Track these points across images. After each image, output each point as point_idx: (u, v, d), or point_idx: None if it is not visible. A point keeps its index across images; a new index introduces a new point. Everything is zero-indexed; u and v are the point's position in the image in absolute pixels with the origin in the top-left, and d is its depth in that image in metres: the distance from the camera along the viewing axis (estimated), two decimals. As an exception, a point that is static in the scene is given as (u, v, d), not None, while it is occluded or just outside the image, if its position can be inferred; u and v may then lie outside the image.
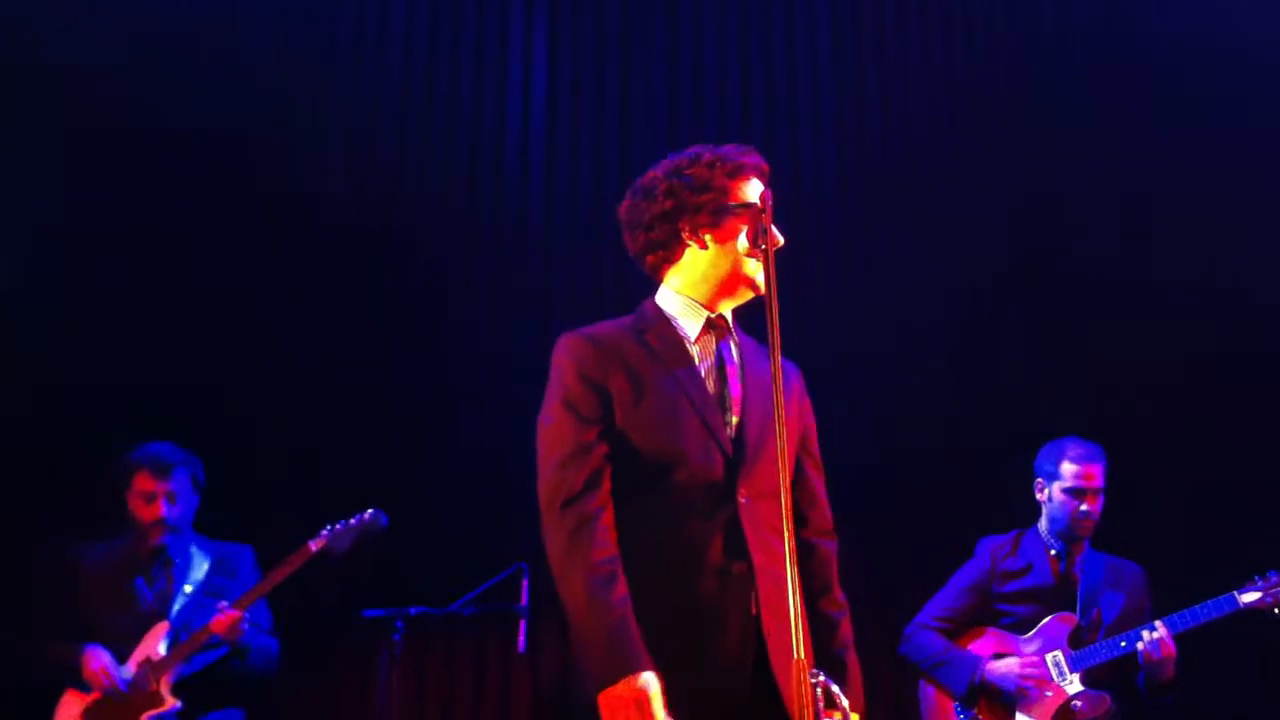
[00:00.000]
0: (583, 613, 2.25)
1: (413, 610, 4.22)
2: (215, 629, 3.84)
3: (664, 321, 2.51)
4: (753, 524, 2.35)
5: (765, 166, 2.57)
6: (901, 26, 5.63)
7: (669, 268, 2.54)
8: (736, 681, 2.29)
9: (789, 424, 2.35)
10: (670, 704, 2.20)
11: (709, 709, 2.26)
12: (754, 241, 2.43)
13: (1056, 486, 4.06)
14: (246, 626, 3.89)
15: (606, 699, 2.18)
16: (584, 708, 2.25)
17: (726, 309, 2.54)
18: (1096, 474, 4.04)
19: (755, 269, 2.45)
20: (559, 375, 2.45)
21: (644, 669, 2.19)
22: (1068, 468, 4.05)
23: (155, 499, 4.02)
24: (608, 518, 2.32)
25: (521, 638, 4.18)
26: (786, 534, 2.05)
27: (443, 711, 4.98)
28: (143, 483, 4.04)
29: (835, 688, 2.15)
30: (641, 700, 2.15)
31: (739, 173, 2.50)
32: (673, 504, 2.35)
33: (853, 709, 2.32)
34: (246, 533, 4.31)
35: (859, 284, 5.39)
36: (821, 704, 2.04)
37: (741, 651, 2.29)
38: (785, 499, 2.07)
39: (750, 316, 2.57)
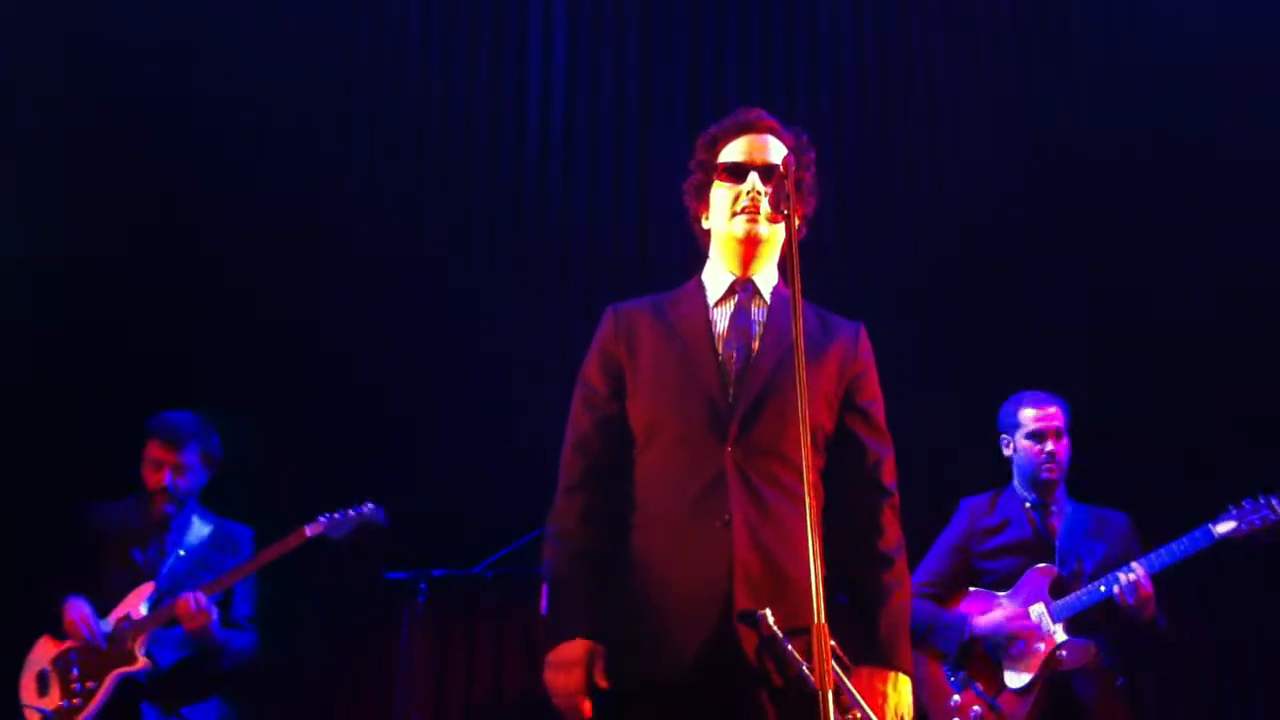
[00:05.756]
0: (549, 574, 2.48)
1: (436, 572, 4.26)
2: (179, 610, 3.81)
3: (696, 290, 2.60)
4: (742, 480, 2.37)
5: (755, 119, 2.58)
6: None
7: (707, 240, 2.64)
8: (696, 632, 2.30)
9: (819, 382, 2.44)
10: (635, 650, 2.32)
11: (669, 658, 2.30)
12: (735, 201, 2.50)
13: (1019, 435, 4.06)
14: (216, 627, 3.85)
15: (547, 661, 2.36)
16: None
17: (757, 272, 2.57)
18: (1055, 415, 4.03)
19: (740, 227, 2.50)
20: (590, 346, 2.60)
21: (576, 636, 2.33)
22: (1026, 413, 4.05)
23: (162, 468, 4.02)
24: (593, 480, 2.48)
25: (544, 600, 4.20)
26: (807, 494, 2.01)
27: (465, 672, 5.01)
28: (154, 450, 4.04)
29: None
30: (566, 662, 2.31)
31: (716, 141, 2.59)
32: (666, 461, 2.42)
33: (892, 666, 2.33)
34: (256, 497, 4.31)
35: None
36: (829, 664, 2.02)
37: (705, 603, 2.31)
38: (806, 456, 2.04)
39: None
